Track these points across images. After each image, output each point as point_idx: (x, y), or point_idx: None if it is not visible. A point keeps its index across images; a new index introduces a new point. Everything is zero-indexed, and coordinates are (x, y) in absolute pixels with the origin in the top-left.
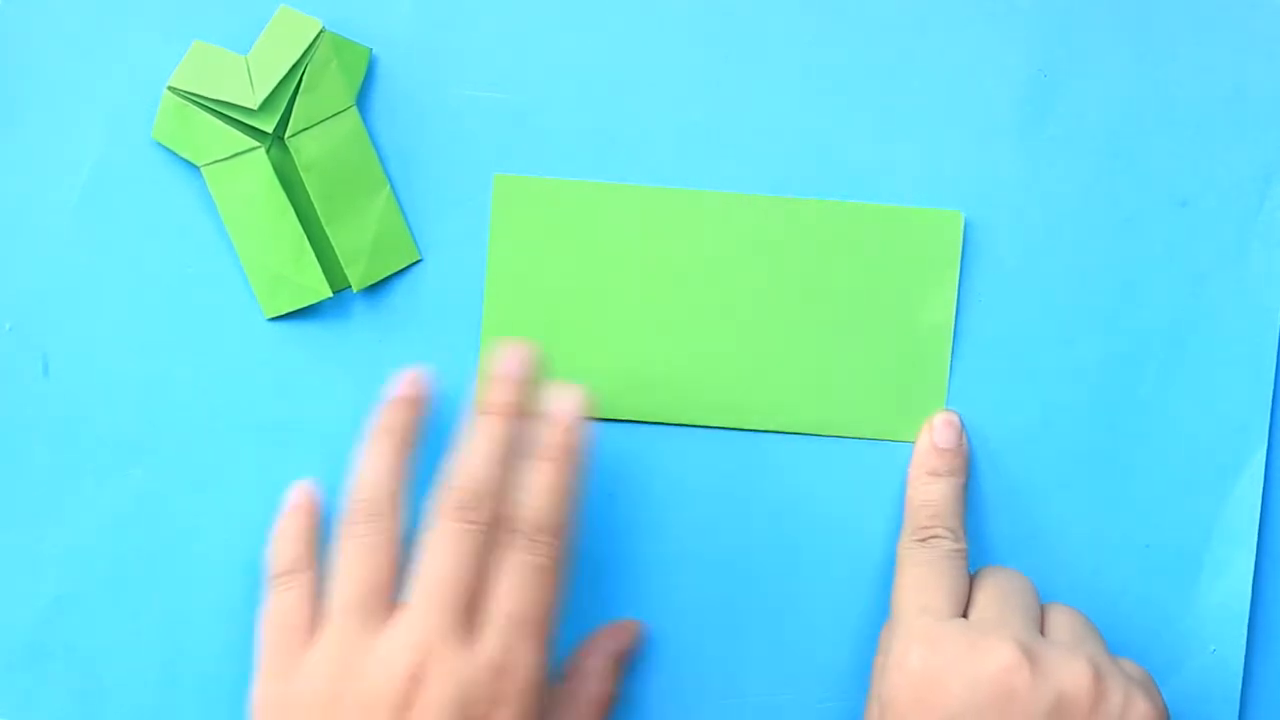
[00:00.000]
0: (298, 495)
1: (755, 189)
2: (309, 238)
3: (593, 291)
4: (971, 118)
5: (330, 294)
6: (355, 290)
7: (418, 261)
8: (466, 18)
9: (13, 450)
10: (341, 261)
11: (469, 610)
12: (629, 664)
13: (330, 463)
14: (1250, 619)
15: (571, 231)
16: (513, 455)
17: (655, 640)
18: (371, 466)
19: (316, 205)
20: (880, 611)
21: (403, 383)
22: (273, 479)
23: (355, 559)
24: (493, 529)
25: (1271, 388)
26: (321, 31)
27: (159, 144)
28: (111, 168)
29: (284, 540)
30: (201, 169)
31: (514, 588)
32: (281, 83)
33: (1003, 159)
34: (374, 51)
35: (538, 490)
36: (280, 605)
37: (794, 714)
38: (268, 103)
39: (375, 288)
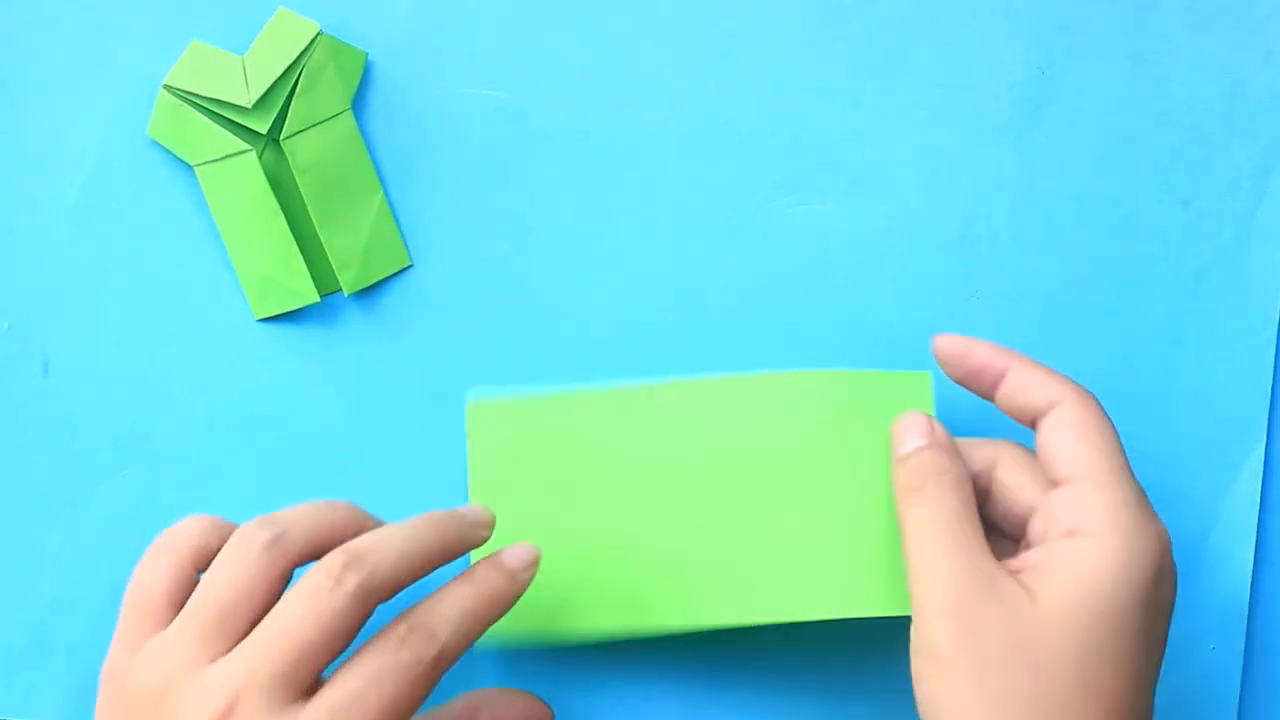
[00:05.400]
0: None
1: (754, 189)
2: (302, 240)
3: (575, 506)
4: (971, 116)
5: (318, 299)
6: (347, 294)
7: (409, 267)
8: (463, 24)
9: (13, 450)
10: (334, 265)
11: (308, 672)
12: None
13: (325, 464)
14: (1249, 617)
15: (548, 449)
16: (423, 561)
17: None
18: (310, 506)
19: (310, 208)
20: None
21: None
22: (268, 478)
23: (231, 567)
24: (367, 602)
25: (1270, 385)
26: (319, 34)
27: (157, 142)
28: (110, 166)
29: (193, 519)
30: (194, 169)
31: (365, 673)
32: (277, 84)
33: (1002, 157)
34: (370, 55)
35: (445, 600)
36: (144, 575)
37: None
38: (263, 103)
39: (366, 292)
